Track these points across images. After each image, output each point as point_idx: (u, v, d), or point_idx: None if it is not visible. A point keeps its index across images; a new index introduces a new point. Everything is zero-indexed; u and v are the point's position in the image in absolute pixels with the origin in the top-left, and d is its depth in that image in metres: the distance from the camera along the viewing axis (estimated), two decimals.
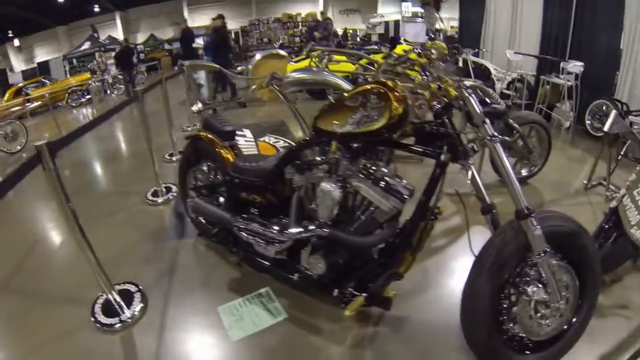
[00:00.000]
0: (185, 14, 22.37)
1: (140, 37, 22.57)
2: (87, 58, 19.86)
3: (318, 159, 2.05)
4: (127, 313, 2.40)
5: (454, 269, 2.72)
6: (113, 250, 3.13)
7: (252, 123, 6.58)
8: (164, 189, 4.20)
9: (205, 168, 2.99)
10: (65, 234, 3.49)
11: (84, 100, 12.86)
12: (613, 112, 3.47)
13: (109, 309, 2.43)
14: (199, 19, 21.61)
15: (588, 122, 5.67)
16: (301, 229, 2.05)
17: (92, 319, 2.38)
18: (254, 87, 5.90)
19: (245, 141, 5.74)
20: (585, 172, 4.17)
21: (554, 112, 6.27)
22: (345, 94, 1.88)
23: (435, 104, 1.85)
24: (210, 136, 2.82)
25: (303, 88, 3.96)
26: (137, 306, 2.48)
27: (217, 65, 6.63)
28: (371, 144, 1.92)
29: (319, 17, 11.42)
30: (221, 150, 2.73)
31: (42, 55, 22.70)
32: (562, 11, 6.44)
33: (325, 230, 1.96)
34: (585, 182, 3.92)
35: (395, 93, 1.76)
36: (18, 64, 22.78)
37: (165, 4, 21.52)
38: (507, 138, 3.57)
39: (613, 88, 5.73)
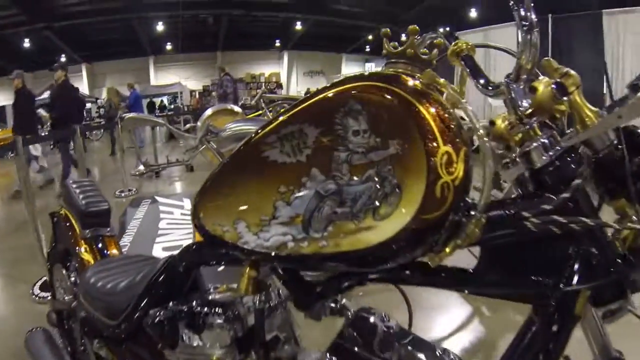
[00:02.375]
0: (152, 71, 22.31)
1: (105, 92, 21.98)
2: (46, 107, 19.14)
3: (216, 307, 0.88)
4: None
5: None
6: None
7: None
8: None
9: (64, 271, 1.73)
10: None
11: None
12: None
13: None
14: (164, 78, 21.48)
15: None
16: None
17: None
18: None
19: (182, 215, 4.88)
20: None
21: None
22: (265, 128, 0.72)
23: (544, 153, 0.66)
24: (70, 218, 1.70)
25: None
26: None
27: (162, 121, 5.84)
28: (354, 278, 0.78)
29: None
30: (81, 246, 1.58)
31: (3, 99, 21.87)
32: None
33: None
34: None
35: (442, 112, 0.63)
36: None
37: (133, 60, 21.12)
38: None
39: None
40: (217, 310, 0.86)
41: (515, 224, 0.65)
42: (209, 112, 5.69)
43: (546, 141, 0.65)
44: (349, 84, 0.67)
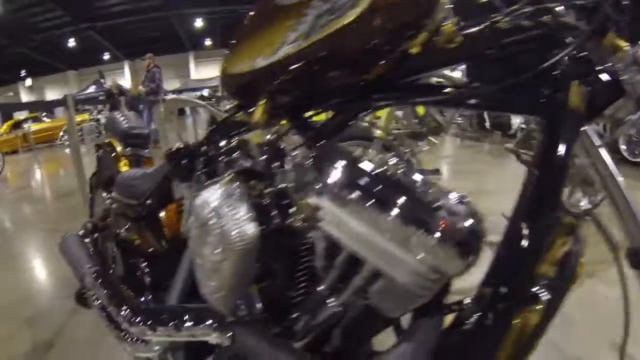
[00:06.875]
0: (192, 66, 22.83)
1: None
2: (90, 101, 20.04)
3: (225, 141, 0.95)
4: None
5: None
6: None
7: None
8: None
9: (104, 194, 1.84)
10: None
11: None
12: None
13: None
14: (204, 73, 22.07)
15: (623, 147, 4.80)
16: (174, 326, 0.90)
17: None
18: None
19: None
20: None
21: None
22: None
23: None
24: (113, 144, 1.88)
25: None
26: None
27: (203, 103, 6.03)
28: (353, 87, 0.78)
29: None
30: (120, 162, 1.76)
31: (51, 96, 23.51)
32: None
33: (227, 331, 0.84)
34: None
35: None
36: None
37: (174, 56, 21.77)
38: None
39: None
40: (225, 149, 0.94)
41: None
42: None
43: None
44: None
